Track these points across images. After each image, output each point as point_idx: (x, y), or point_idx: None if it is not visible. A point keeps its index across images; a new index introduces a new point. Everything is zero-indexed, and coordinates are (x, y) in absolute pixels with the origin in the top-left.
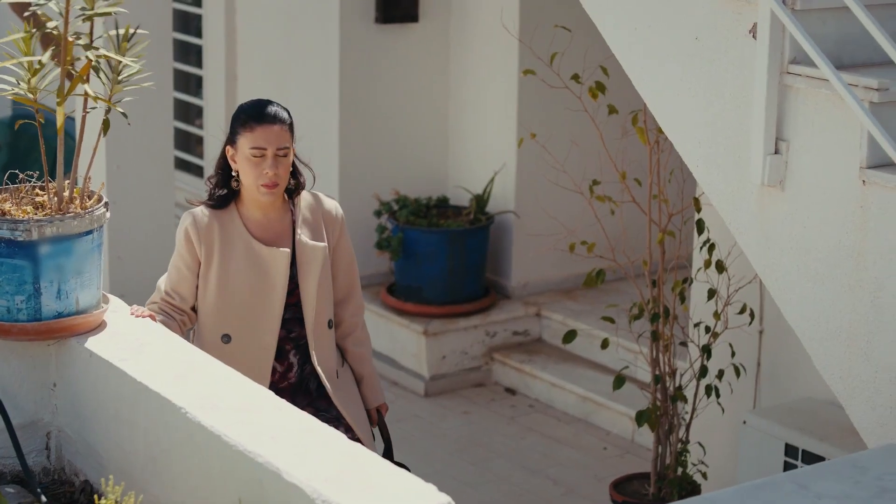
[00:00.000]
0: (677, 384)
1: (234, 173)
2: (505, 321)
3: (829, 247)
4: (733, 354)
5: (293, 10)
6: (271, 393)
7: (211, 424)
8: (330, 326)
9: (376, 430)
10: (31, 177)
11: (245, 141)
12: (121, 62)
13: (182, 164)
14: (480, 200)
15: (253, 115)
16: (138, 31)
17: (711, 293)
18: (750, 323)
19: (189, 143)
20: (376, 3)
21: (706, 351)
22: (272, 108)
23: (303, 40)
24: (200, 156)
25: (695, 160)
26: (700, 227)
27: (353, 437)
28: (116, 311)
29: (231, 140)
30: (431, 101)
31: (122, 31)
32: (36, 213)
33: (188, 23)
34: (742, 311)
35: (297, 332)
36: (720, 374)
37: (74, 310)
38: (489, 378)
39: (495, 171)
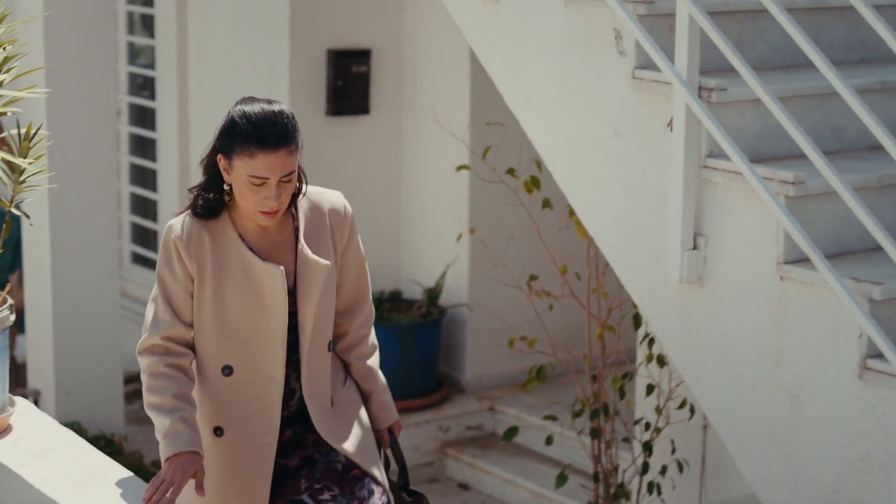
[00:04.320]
0: (619, 481)
1: (226, 186)
2: (458, 416)
3: (749, 344)
4: (673, 451)
5: None
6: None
7: None
8: (329, 349)
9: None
10: None
11: (242, 165)
12: (22, 163)
13: (140, 260)
14: (433, 293)
15: (253, 136)
16: (40, 131)
17: (651, 388)
18: (690, 418)
19: (147, 237)
20: (327, 95)
21: (647, 448)
22: (277, 127)
23: None
24: (154, 250)
25: (615, 256)
26: (637, 321)
27: (351, 465)
28: (25, 415)
29: (224, 152)
30: (383, 194)
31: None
32: None
33: (144, 117)
34: (682, 406)
35: (299, 356)
36: (663, 471)
37: None
38: (442, 473)
39: (447, 265)
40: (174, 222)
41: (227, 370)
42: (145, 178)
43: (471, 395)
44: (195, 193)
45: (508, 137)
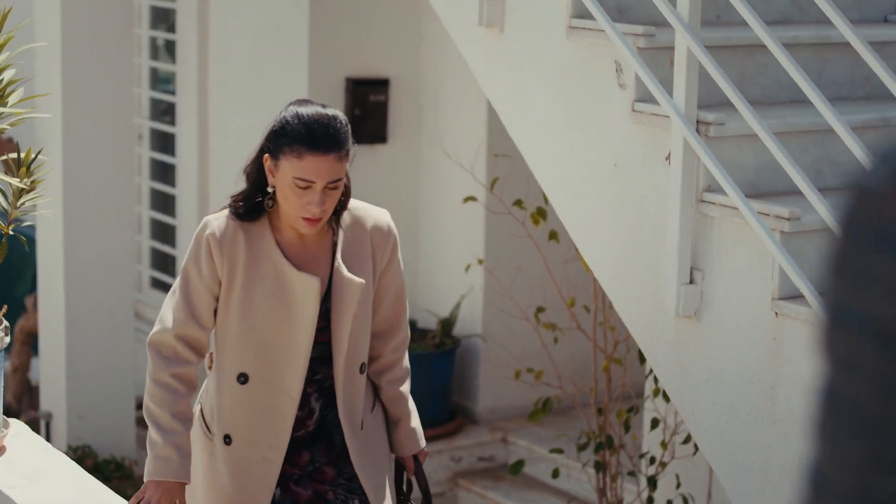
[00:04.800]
0: None
1: (269, 188)
2: (471, 446)
3: (744, 380)
4: (678, 485)
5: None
6: None
7: None
8: (362, 371)
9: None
10: None
11: (289, 166)
12: (21, 186)
13: (159, 284)
14: (447, 324)
15: (304, 137)
16: (39, 156)
17: (656, 422)
18: (695, 453)
19: (166, 262)
20: None
21: (652, 482)
22: (328, 130)
23: None
24: (174, 275)
25: (613, 288)
26: (643, 355)
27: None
28: (20, 437)
29: (272, 151)
30: (399, 223)
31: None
32: None
33: (166, 142)
34: (687, 441)
35: (324, 374)
36: None
37: None
38: None
39: (462, 295)
40: (210, 219)
41: (243, 378)
42: (166, 203)
43: (483, 425)
44: (235, 197)
45: (517, 168)
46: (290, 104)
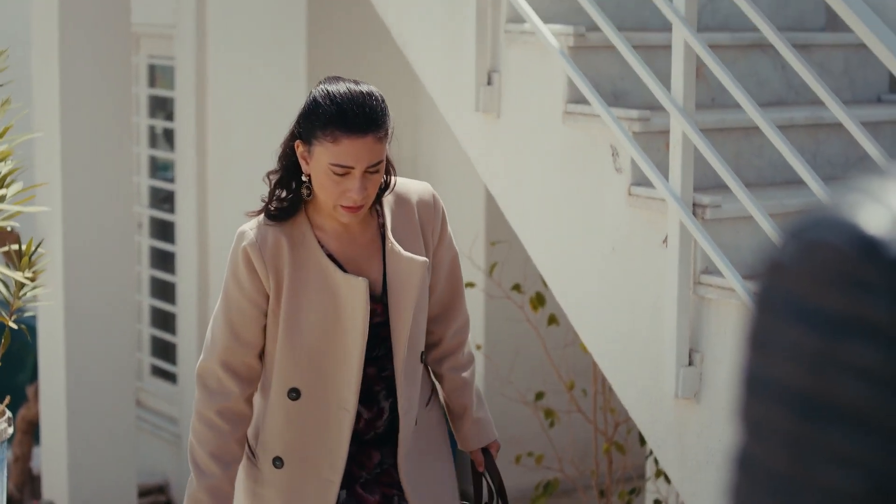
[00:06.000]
0: None
1: (304, 177)
2: None
3: None
4: None
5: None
6: None
7: None
8: (422, 360)
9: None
10: None
11: (324, 152)
12: (22, 279)
13: (159, 372)
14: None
15: (337, 119)
16: (39, 248)
17: None
18: None
19: (167, 350)
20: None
21: None
22: (364, 109)
23: None
24: (174, 362)
25: (612, 371)
26: (643, 438)
27: None
28: None
29: (303, 137)
30: None
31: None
32: None
33: (166, 230)
34: None
35: (391, 371)
36: None
37: None
38: None
39: None
40: (246, 228)
41: (294, 393)
42: (166, 290)
43: None
44: (269, 189)
45: (515, 253)
46: (320, 83)
